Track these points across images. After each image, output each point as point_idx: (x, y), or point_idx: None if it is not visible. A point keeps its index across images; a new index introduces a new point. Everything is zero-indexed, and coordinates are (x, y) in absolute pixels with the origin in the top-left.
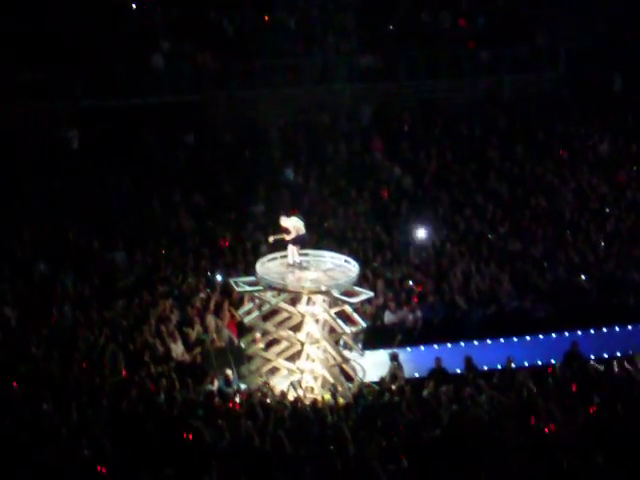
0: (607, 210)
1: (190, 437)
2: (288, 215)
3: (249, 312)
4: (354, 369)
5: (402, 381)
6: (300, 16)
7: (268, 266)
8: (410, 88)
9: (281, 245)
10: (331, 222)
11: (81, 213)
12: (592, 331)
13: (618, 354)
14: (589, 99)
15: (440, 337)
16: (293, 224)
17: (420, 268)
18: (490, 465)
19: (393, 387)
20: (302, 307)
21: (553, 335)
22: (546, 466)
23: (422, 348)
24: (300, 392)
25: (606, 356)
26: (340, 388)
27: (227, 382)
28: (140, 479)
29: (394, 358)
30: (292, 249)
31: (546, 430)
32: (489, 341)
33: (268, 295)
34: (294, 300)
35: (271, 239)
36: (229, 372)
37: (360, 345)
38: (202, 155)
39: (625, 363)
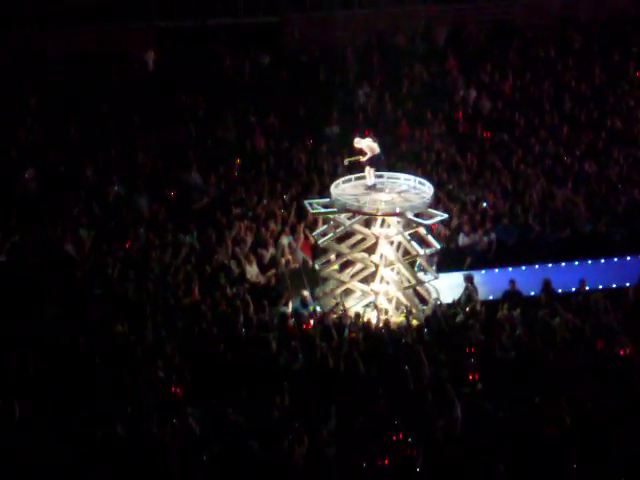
0: None
1: (263, 358)
2: (362, 136)
3: (323, 234)
4: (428, 291)
5: (477, 303)
6: None
7: (343, 188)
8: (485, 9)
9: (356, 167)
10: (405, 144)
11: (156, 134)
12: None
13: None
14: None
15: (514, 260)
16: (367, 144)
17: (495, 190)
18: (565, 388)
19: (467, 309)
20: (376, 229)
21: (628, 258)
22: (621, 390)
23: (496, 270)
24: (374, 314)
25: None
26: (414, 310)
27: (304, 303)
28: (214, 400)
29: (469, 280)
30: (369, 171)
31: (621, 353)
32: (563, 264)
33: (342, 217)
34: (368, 222)
35: (347, 161)
36: (306, 293)
37: (434, 267)
38: (277, 76)
39: None
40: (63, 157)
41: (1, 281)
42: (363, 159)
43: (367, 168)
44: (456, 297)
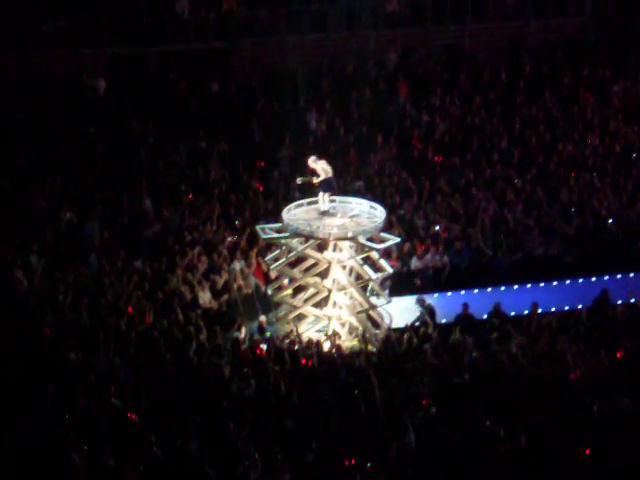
0: (634, 155)
1: (216, 384)
2: (318, 158)
3: (276, 259)
4: (381, 315)
5: (430, 327)
6: None
7: (294, 213)
8: (435, 33)
9: (308, 189)
10: (357, 168)
11: (107, 161)
12: (619, 276)
13: None
14: (615, 43)
15: (467, 283)
16: (322, 167)
17: (447, 214)
18: (519, 410)
19: (420, 333)
20: (329, 254)
21: (580, 280)
22: (576, 411)
23: (449, 294)
24: (327, 338)
25: (633, 301)
26: (367, 334)
27: (261, 328)
28: (169, 426)
29: (421, 303)
30: (323, 195)
31: (572, 375)
32: (516, 287)
33: (295, 242)
34: (321, 247)
35: (299, 180)
36: (263, 318)
37: (387, 291)
38: (228, 102)
39: None
40: (13, 184)
41: None
42: (316, 181)
43: (321, 193)
44: (409, 321)
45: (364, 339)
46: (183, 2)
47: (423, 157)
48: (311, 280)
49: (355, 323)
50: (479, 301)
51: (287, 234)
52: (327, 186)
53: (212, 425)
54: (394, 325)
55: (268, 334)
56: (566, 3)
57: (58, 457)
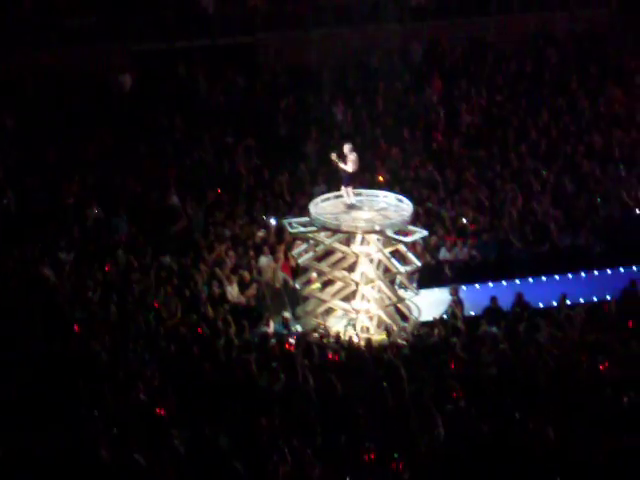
0: None
1: (245, 379)
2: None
3: (303, 253)
4: (409, 308)
5: (459, 319)
6: None
7: (322, 206)
8: (460, 26)
9: (334, 184)
10: (384, 162)
11: (133, 157)
12: None
13: None
14: None
15: (495, 275)
16: (352, 159)
17: (474, 206)
18: (549, 402)
19: (449, 326)
20: (356, 247)
21: (608, 271)
22: (605, 402)
23: (477, 286)
24: (355, 332)
25: None
26: (395, 327)
27: (285, 324)
28: (198, 422)
29: (455, 292)
30: (347, 190)
31: (601, 367)
32: (544, 278)
33: (322, 236)
34: (348, 240)
35: (334, 156)
36: (287, 314)
37: (415, 284)
38: (254, 97)
39: None
40: (41, 180)
41: None
42: (344, 167)
43: (343, 187)
44: (437, 313)
45: (392, 332)
46: None
47: (449, 149)
48: (339, 274)
49: (383, 316)
50: (507, 293)
51: (314, 228)
52: (347, 180)
53: (241, 420)
54: (422, 318)
55: (293, 329)
56: None
57: (87, 453)
